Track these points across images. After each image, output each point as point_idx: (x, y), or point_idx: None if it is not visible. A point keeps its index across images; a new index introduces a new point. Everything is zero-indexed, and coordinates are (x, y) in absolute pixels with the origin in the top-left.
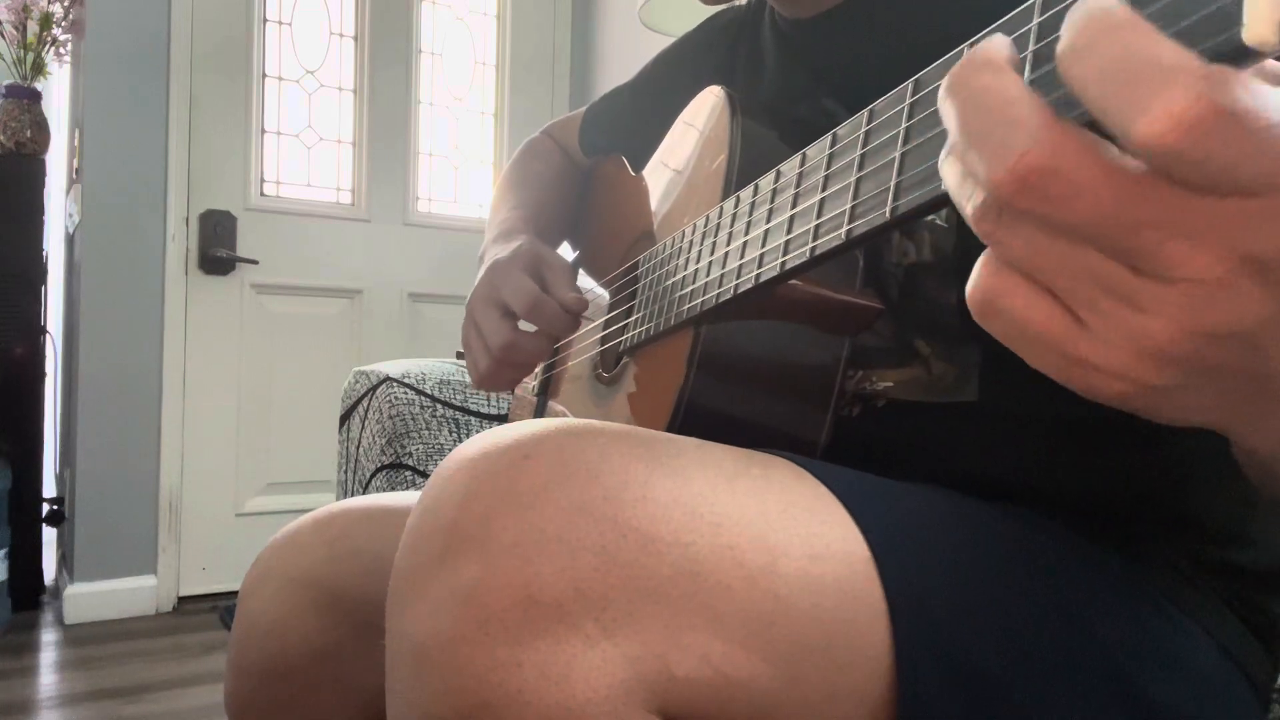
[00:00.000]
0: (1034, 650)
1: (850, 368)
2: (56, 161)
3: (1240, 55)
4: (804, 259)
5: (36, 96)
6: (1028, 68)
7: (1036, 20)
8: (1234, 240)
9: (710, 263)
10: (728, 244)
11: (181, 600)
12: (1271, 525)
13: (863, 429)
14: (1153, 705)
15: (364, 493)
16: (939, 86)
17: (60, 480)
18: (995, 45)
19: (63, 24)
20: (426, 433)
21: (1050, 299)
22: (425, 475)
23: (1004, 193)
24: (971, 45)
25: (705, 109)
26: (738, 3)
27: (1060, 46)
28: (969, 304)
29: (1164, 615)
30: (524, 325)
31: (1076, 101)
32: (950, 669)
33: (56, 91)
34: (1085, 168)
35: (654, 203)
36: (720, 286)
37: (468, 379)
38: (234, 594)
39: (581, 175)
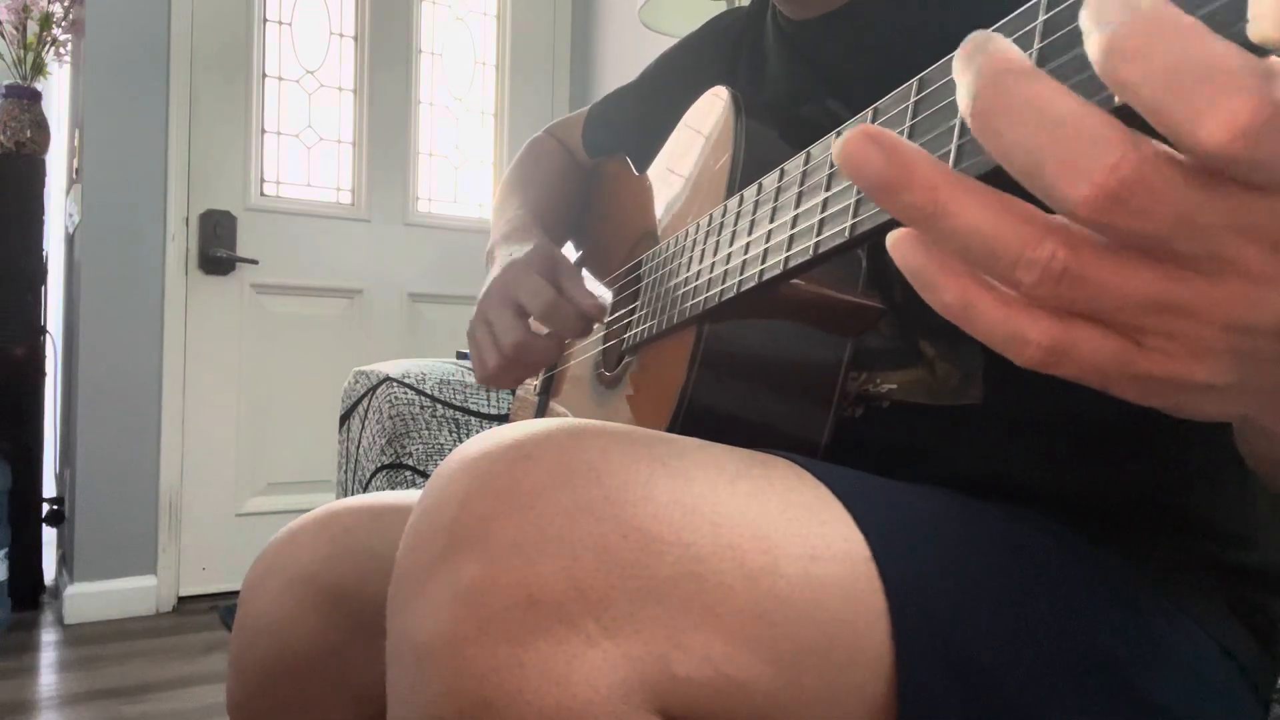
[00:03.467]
0: (1034, 650)
1: (854, 369)
2: (56, 161)
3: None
4: (807, 257)
5: (36, 96)
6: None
7: (1042, 18)
8: (1276, 234)
9: (713, 261)
10: (731, 243)
11: (181, 600)
12: (1272, 526)
13: (866, 430)
14: (1152, 705)
15: (364, 492)
16: (945, 84)
17: (60, 480)
18: (1010, 47)
19: (63, 24)
20: (426, 433)
21: (1109, 331)
22: (425, 475)
23: (1087, 210)
24: None
25: (709, 110)
26: (741, 3)
27: (1103, 49)
28: (1023, 363)
29: (1164, 616)
30: (535, 326)
31: (1095, 92)
32: (951, 669)
33: (56, 91)
34: (1164, 174)
35: (657, 202)
36: (723, 285)
37: (468, 379)
38: (234, 594)
39: (584, 175)
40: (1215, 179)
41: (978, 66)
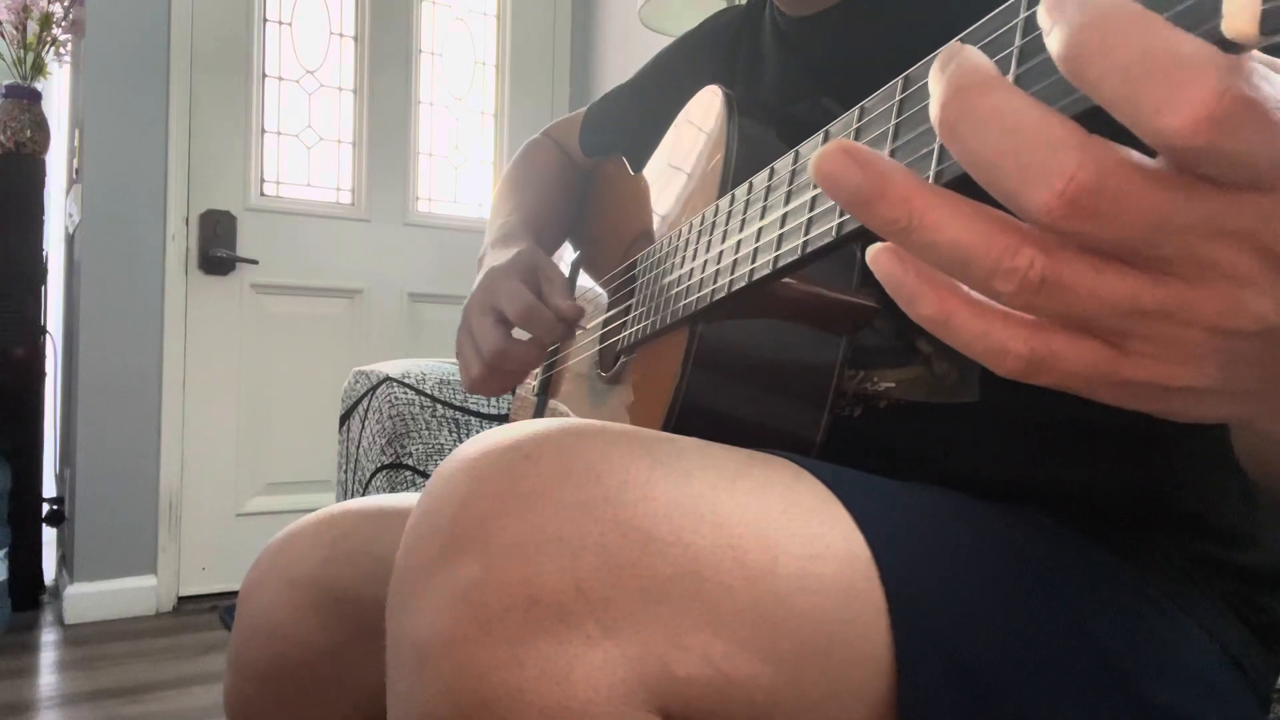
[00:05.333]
0: (1034, 650)
1: (850, 368)
2: (56, 161)
3: (1221, 48)
4: (795, 256)
5: (36, 96)
6: (1014, 62)
7: (1023, 15)
8: (1254, 236)
9: (705, 260)
10: (722, 242)
11: (181, 600)
12: (1272, 525)
13: (864, 430)
14: (1152, 705)
15: (364, 493)
16: (927, 83)
17: (60, 480)
18: (978, 58)
19: (63, 24)
20: (426, 433)
21: (1091, 339)
22: (425, 475)
23: (1050, 218)
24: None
25: (704, 108)
26: (738, 1)
27: (1065, 47)
28: (1004, 374)
29: (1164, 615)
30: (518, 333)
31: (1064, 95)
32: (950, 668)
33: (56, 91)
34: (1129, 179)
35: (653, 202)
36: (714, 284)
37: None
38: (234, 594)
39: (581, 176)
40: (1188, 181)
41: (947, 76)
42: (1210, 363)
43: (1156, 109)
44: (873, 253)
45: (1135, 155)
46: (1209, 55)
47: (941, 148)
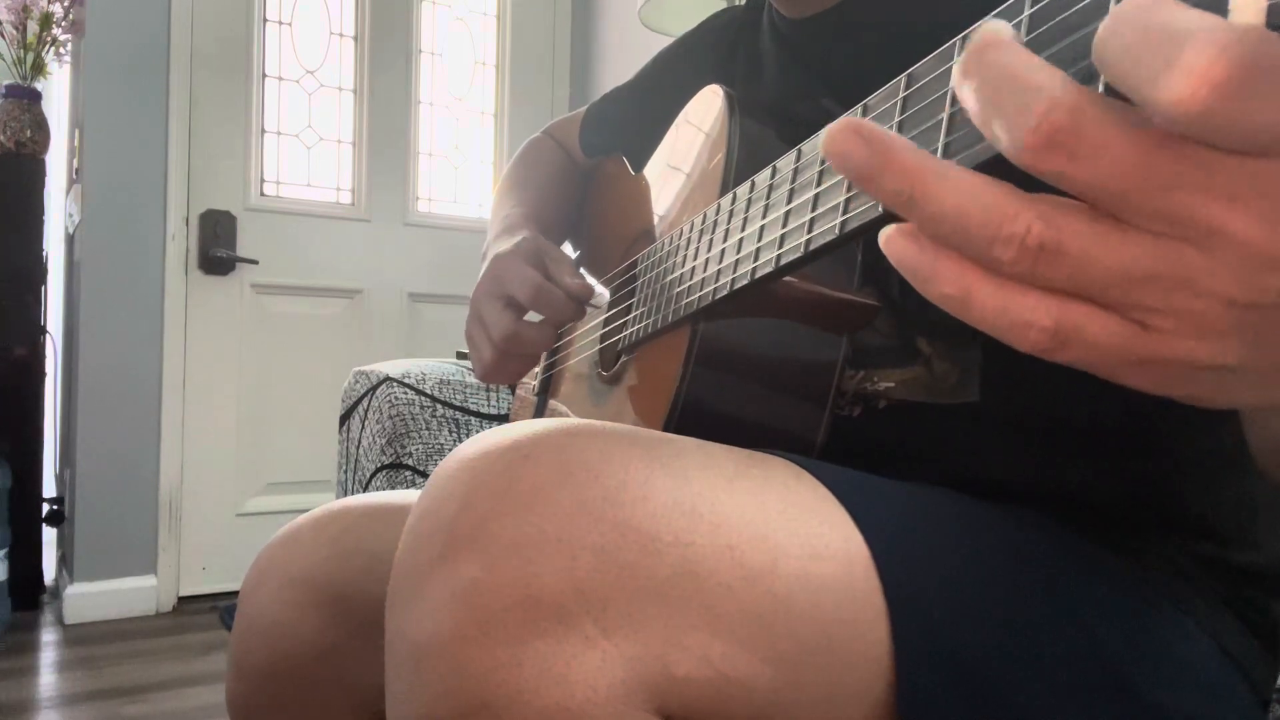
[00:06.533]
0: (1033, 650)
1: (851, 367)
2: (56, 161)
3: None
4: (799, 254)
5: (36, 96)
6: None
7: (1028, 11)
8: (1261, 203)
9: (707, 259)
10: (724, 241)
11: (181, 600)
12: (1272, 526)
13: (864, 430)
14: (1152, 705)
15: (364, 493)
16: (932, 79)
17: (60, 480)
18: (998, 26)
19: (63, 24)
20: (426, 433)
21: (1111, 312)
22: (425, 475)
23: (1029, 156)
24: (964, 38)
25: (705, 108)
26: (738, 1)
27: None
28: (1027, 349)
29: (1164, 615)
30: (530, 316)
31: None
32: (950, 669)
33: (56, 91)
34: (1107, 125)
35: (654, 202)
36: (716, 283)
37: (468, 379)
38: (234, 594)
39: (582, 175)
40: (1175, 135)
41: (968, 45)
42: (1233, 338)
43: (1156, 75)
44: (885, 236)
45: (1120, 105)
46: (1211, 23)
47: (945, 145)
